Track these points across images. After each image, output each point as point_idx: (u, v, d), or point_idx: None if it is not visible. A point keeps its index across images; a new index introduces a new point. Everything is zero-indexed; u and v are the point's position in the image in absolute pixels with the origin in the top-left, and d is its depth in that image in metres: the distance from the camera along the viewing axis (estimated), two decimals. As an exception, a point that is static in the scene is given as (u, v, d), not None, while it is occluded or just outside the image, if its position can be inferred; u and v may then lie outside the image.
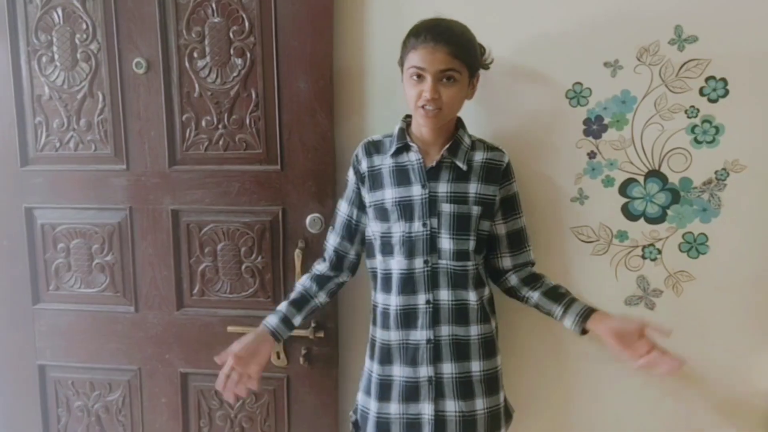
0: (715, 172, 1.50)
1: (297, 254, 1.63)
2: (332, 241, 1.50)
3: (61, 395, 1.83)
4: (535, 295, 1.45)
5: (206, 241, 1.70)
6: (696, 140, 1.49)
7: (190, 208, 1.69)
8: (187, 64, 1.63)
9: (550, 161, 1.56)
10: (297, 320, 1.46)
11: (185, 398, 1.77)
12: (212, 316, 1.72)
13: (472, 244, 1.39)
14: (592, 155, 1.54)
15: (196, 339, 1.74)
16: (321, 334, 1.66)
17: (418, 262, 1.38)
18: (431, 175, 1.38)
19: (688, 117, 1.48)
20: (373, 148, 1.45)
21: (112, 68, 1.66)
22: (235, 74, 1.61)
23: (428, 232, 1.37)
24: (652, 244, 1.55)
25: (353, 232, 1.48)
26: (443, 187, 1.38)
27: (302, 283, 1.51)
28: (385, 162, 1.42)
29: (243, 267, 1.69)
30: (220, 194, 1.67)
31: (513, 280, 1.47)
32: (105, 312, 1.77)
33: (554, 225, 1.58)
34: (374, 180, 1.43)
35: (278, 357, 1.70)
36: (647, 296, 1.58)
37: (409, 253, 1.38)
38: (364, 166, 1.44)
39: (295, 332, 1.65)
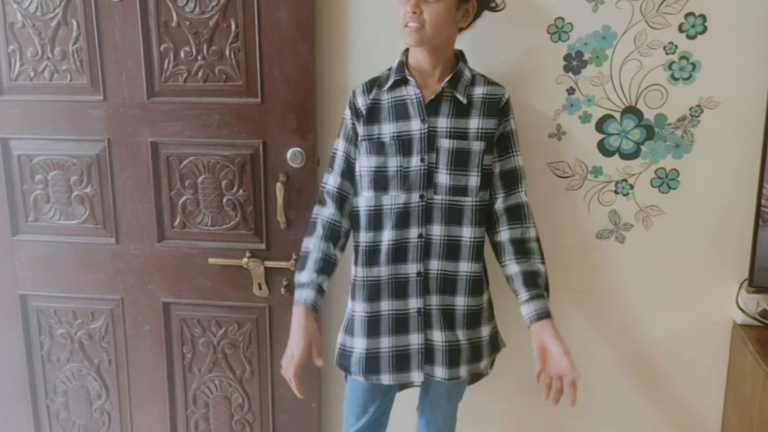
0: (690, 109, 1.53)
1: (279, 188, 1.64)
2: (332, 182, 1.44)
3: (44, 323, 1.85)
4: (513, 269, 1.39)
5: (186, 173, 1.70)
6: (673, 77, 1.51)
7: (170, 141, 1.68)
8: (163, -8, 1.59)
9: (529, 97, 1.58)
10: (326, 285, 1.43)
11: (168, 326, 1.80)
12: (193, 248, 1.74)
13: (474, 180, 1.39)
14: (571, 91, 1.56)
15: (177, 270, 1.76)
16: (302, 266, 1.69)
17: (414, 197, 1.39)
18: (431, 109, 1.38)
19: (666, 53, 1.50)
20: (371, 84, 1.43)
21: (86, -6, 1.61)
22: (213, 3, 1.58)
23: (425, 167, 1.38)
24: (625, 180, 1.60)
25: (353, 170, 1.44)
26: (443, 122, 1.38)
27: (317, 246, 1.43)
28: (383, 97, 1.41)
29: (224, 200, 1.70)
30: (200, 127, 1.66)
31: (504, 236, 1.41)
32: (86, 243, 1.78)
33: (531, 160, 1.60)
34: (372, 114, 1.41)
35: (260, 288, 1.73)
36: (618, 230, 1.63)
37: (406, 187, 1.39)
38: (360, 102, 1.42)
39: (276, 264, 1.70)
